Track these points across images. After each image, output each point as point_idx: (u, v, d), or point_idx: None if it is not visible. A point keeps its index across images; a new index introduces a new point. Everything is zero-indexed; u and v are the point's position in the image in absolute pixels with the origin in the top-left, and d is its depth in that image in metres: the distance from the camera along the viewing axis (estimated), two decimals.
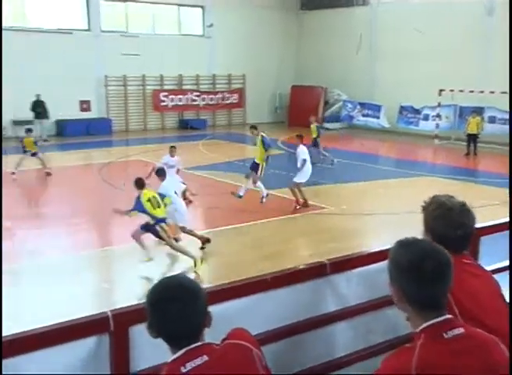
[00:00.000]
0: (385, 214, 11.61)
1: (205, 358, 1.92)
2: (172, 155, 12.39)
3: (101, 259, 9.74)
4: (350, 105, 26.76)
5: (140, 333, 2.19)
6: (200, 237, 9.55)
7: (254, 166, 12.70)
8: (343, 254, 3.25)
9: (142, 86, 25.78)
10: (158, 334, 1.98)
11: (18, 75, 21.48)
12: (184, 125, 26.89)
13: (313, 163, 12.95)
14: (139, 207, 8.46)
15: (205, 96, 27.48)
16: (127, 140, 23.95)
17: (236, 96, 28.33)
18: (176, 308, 1.91)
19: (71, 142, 22.07)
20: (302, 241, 10.30)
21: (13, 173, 14.88)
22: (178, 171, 12.30)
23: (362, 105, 26.08)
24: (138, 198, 8.53)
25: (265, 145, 12.60)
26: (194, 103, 27.30)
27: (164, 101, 26.44)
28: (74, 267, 8.88)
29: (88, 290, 8.23)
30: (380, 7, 25.76)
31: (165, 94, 26.40)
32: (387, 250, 2.15)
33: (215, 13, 26.65)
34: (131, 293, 7.39)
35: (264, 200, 12.35)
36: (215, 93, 27.82)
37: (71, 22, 24.00)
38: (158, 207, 8.56)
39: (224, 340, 2.06)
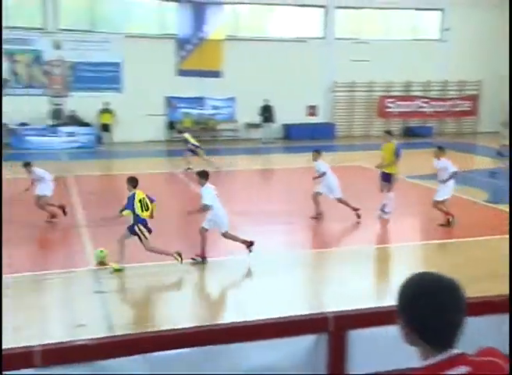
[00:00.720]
0: None
1: (466, 369, 1.83)
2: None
3: (313, 260, 9.94)
4: None
5: (359, 337, 2.14)
6: (243, 242, 9.18)
7: (386, 177, 11.75)
8: None
9: (369, 92, 25.78)
10: (417, 332, 1.86)
11: (251, 81, 23.16)
12: (409, 132, 26.16)
13: None
14: (130, 206, 8.41)
15: (434, 103, 26.39)
16: (350, 145, 24.15)
17: (468, 103, 26.68)
18: (441, 301, 1.83)
19: (296, 145, 23.05)
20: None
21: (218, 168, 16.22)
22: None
23: None
24: (132, 197, 8.46)
25: (397, 153, 11.73)
26: (421, 110, 26.42)
27: (389, 107, 26.08)
28: (289, 264, 9.20)
29: (301, 288, 8.45)
30: None
31: (392, 100, 26.03)
32: None
33: (454, 16, 25.43)
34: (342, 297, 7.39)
35: (385, 216, 11.41)
36: (445, 100, 26.55)
37: (308, 31, 25.05)
38: (146, 210, 8.52)
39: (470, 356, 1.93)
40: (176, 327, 2.20)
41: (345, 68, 24.45)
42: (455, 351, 1.85)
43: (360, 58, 24.27)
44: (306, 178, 12.73)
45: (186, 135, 17.79)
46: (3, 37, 21.22)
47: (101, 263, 8.69)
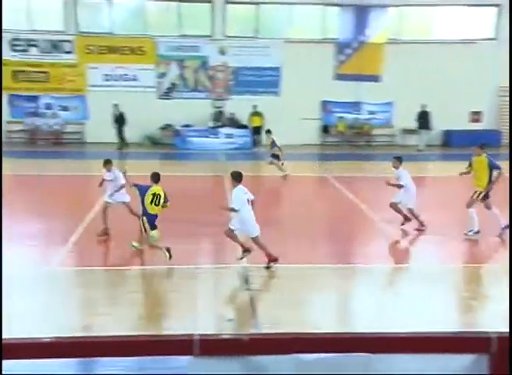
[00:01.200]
0: None
1: None
2: None
3: (469, 274, 9.32)
4: None
5: None
6: (268, 255, 8.61)
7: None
8: None
9: None
10: None
11: (410, 85, 22.35)
12: None
13: None
14: (141, 193, 8.98)
15: None
16: None
17: None
18: None
19: (456, 153, 21.81)
20: None
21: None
22: None
23: None
24: (146, 189, 9.02)
25: (493, 166, 11.04)
26: None
27: None
28: (442, 277, 8.71)
29: (454, 303, 7.96)
30: None
31: None
32: None
33: None
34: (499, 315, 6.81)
35: (470, 234, 10.40)
36: None
37: (477, 32, 23.61)
38: (156, 205, 8.91)
39: None
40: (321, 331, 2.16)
41: None
42: None
43: None
44: (464, 187, 11.99)
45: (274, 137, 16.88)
46: (176, 44, 22.92)
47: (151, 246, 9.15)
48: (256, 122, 22.94)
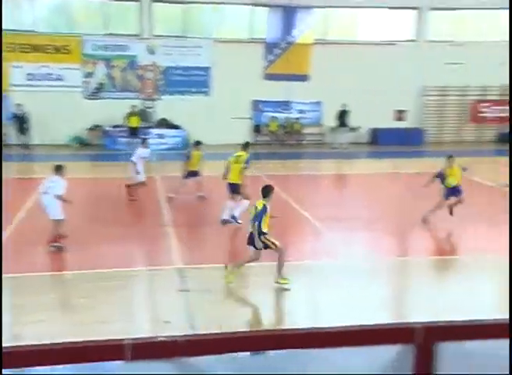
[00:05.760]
0: None
1: None
2: None
3: (398, 268, 9.68)
4: None
5: (447, 351, 2.05)
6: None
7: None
8: None
9: (462, 96, 24.80)
10: None
11: (338, 85, 22.91)
12: (504, 138, 24.86)
13: None
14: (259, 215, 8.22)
15: None
16: (440, 151, 23.30)
17: None
18: None
19: (383, 150, 22.59)
20: None
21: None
22: None
23: None
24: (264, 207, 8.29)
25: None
26: None
27: (484, 112, 24.95)
28: (373, 271, 9.00)
29: (384, 296, 8.24)
30: None
31: (487, 104, 24.89)
32: None
33: None
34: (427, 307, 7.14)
35: None
36: None
37: (398, 33, 24.44)
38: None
39: None
40: (259, 329, 2.20)
41: (436, 71, 23.65)
42: None
43: (453, 61, 23.40)
44: (389, 184, 12.43)
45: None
46: (102, 43, 22.40)
47: None
48: (133, 122, 22.11)
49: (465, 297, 7.82)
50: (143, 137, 16.84)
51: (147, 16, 22.68)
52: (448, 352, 2.23)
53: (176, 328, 6.65)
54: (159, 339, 1.97)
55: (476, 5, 23.83)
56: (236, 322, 7.00)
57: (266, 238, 8.21)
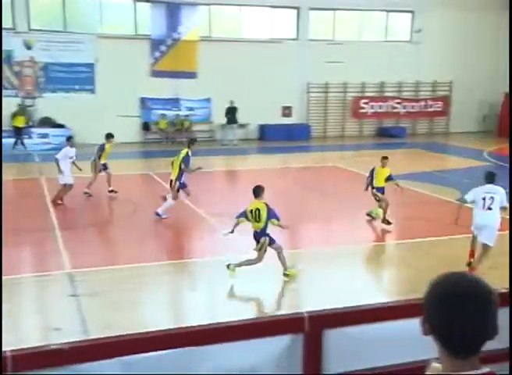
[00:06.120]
0: None
1: None
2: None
3: (291, 260, 9.99)
4: None
5: (334, 337, 2.18)
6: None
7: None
8: None
9: (343, 93, 26.00)
10: (434, 333, 1.75)
11: (226, 82, 23.16)
12: (382, 133, 26.48)
13: None
14: (240, 215, 8.55)
15: (407, 103, 26.77)
16: (325, 146, 24.33)
17: (440, 104, 27.13)
18: (470, 309, 1.68)
19: (272, 146, 23.13)
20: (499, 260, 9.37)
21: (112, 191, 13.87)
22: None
23: None
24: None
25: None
26: (395, 111, 26.76)
27: (363, 108, 26.36)
28: (267, 265, 9.22)
29: (278, 288, 8.48)
30: None
31: (366, 101, 26.31)
32: None
33: (425, 17, 25.81)
34: (319, 297, 7.45)
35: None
36: (418, 100, 26.96)
37: (282, 32, 25.07)
38: (257, 221, 8.39)
39: None
40: (151, 330, 2.20)
41: (319, 69, 24.59)
42: (485, 369, 1.73)
43: (334, 60, 24.45)
44: (279, 178, 12.77)
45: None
46: None
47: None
48: (19, 122, 21.07)
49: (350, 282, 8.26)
50: (68, 136, 15.82)
51: (22, 8, 21.45)
52: (336, 338, 2.36)
53: (68, 334, 6.42)
54: (40, 349, 1.91)
55: (354, 7, 25.06)
56: (129, 324, 6.88)
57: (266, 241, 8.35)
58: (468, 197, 8.88)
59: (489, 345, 1.73)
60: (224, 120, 23.73)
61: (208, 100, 24.24)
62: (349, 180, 12.93)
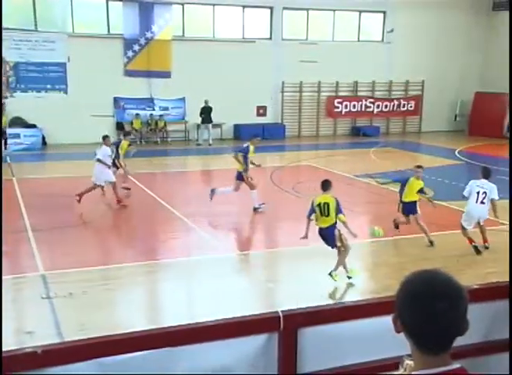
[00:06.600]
0: None
1: None
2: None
3: (267, 259, 10.03)
4: None
5: (308, 335, 2.20)
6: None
7: None
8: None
9: (317, 92, 26.14)
10: (406, 330, 1.77)
11: (200, 82, 23.10)
12: (356, 132, 26.72)
13: None
14: (310, 212, 8.12)
15: (380, 103, 27.05)
16: (299, 145, 24.44)
17: (412, 103, 27.48)
18: (441, 307, 1.69)
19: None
20: (478, 258, 9.57)
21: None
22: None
23: None
24: (312, 201, 8.17)
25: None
26: (368, 110, 27.01)
27: (338, 107, 26.55)
28: (242, 264, 9.26)
29: (254, 287, 8.51)
30: None
31: (340, 100, 26.50)
32: None
33: (397, 18, 26.09)
34: (295, 295, 7.50)
35: None
36: (391, 100, 27.25)
37: (255, 31, 25.07)
38: (326, 216, 7.98)
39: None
40: (126, 331, 2.20)
41: (293, 69, 24.69)
42: (455, 365, 1.75)
43: (308, 59, 24.56)
44: (254, 178, 12.79)
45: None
46: None
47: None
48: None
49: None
50: (105, 135, 15.19)
51: None
52: (311, 336, 2.39)
53: (42, 337, 6.33)
54: (24, 351, 1.90)
55: (327, 6, 25.21)
56: (104, 326, 6.83)
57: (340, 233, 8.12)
58: (466, 192, 9.66)
59: (460, 341, 1.77)
60: (199, 120, 23.67)
61: (182, 100, 24.14)
62: (324, 179, 13.01)
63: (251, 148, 12.57)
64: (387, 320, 1.82)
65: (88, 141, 22.28)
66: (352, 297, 7.86)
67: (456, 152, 20.40)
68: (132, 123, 23.54)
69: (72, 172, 16.11)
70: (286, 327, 2.24)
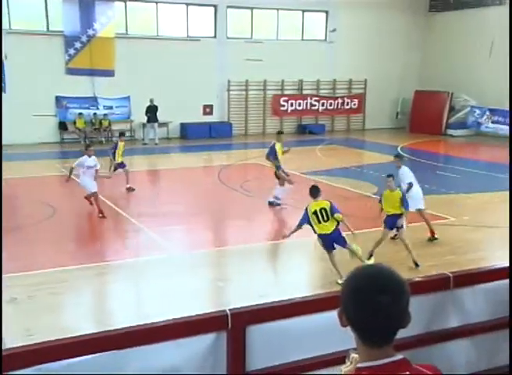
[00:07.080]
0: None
1: None
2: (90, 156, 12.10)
3: (216, 258, 10.04)
4: (478, 111, 25.58)
5: (256, 333, 2.23)
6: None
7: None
8: (464, 267, 3.09)
9: (263, 91, 26.29)
10: (351, 324, 1.81)
11: (145, 80, 22.84)
12: (302, 130, 27.03)
13: None
14: (303, 220, 7.99)
15: (325, 101, 27.46)
16: (246, 143, 24.52)
17: (356, 101, 28.03)
18: (384, 301, 1.73)
19: (193, 144, 23.04)
20: (420, 252, 9.88)
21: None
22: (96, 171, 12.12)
23: (492, 111, 24.83)
24: (306, 209, 8.03)
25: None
26: (313, 108, 27.37)
27: (283, 105, 26.78)
28: (192, 264, 9.22)
29: (204, 286, 8.51)
30: None
31: (285, 98, 26.73)
32: None
33: (339, 18, 26.54)
34: (244, 293, 7.55)
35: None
36: (335, 98, 27.71)
37: (200, 30, 24.95)
38: (325, 221, 7.85)
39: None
40: (74, 335, 2.17)
41: (238, 67, 24.73)
42: (399, 357, 1.80)
43: (253, 58, 24.66)
44: (201, 177, 12.77)
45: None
46: None
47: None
48: None
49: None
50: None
51: None
52: (259, 334, 2.42)
53: None
54: None
55: (271, 5, 25.38)
56: (51, 330, 6.67)
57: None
58: (410, 182, 10.14)
59: (402, 333, 1.84)
60: (144, 119, 23.38)
61: (127, 98, 23.77)
62: (271, 177, 13.14)
63: (278, 145, 12.90)
64: (334, 315, 1.88)
65: (30, 142, 21.69)
66: (302, 292, 7.96)
67: (398, 149, 20.94)
68: (75, 123, 23.01)
69: (13, 173, 15.60)
70: (233, 326, 2.26)
